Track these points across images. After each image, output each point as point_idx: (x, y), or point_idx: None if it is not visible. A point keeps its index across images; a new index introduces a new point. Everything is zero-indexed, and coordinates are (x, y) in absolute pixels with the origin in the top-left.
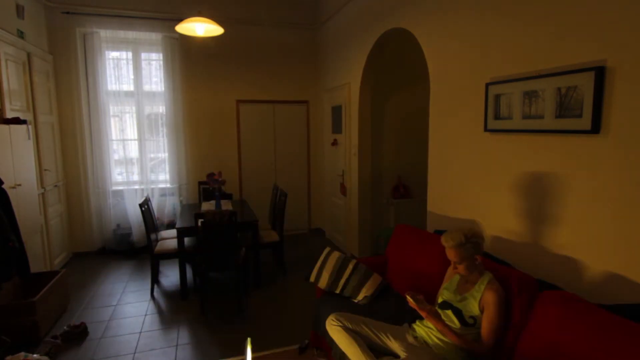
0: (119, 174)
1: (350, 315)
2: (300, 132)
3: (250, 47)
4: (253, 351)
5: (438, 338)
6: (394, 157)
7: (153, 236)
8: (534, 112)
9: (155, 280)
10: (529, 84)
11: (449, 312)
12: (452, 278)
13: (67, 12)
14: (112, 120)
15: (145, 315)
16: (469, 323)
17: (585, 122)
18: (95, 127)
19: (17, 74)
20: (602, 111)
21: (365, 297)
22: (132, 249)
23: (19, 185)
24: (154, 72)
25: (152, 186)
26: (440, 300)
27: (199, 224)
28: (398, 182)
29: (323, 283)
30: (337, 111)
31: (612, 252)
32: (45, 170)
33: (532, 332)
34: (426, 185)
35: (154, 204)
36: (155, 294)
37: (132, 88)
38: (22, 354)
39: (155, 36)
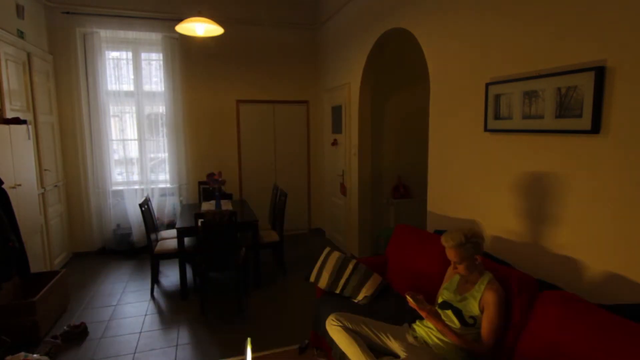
0: (119, 174)
1: (350, 315)
2: (300, 132)
3: (250, 47)
4: (253, 351)
5: (438, 338)
6: (394, 157)
7: (153, 236)
8: (534, 112)
9: (155, 280)
10: (529, 84)
11: (449, 312)
12: (452, 278)
13: (67, 12)
14: (112, 120)
15: (145, 315)
16: (469, 323)
17: (585, 122)
18: (95, 127)
19: (17, 74)
20: (602, 111)
21: (365, 297)
22: (132, 249)
23: (19, 185)
24: (154, 72)
25: (152, 186)
26: (440, 300)
27: (199, 224)
28: (398, 182)
29: (323, 283)
30: (337, 111)
31: (612, 252)
32: (45, 170)
33: (532, 332)
34: (426, 185)
35: (154, 204)
36: (155, 294)
37: (132, 88)
38: (22, 354)
39: (155, 36)
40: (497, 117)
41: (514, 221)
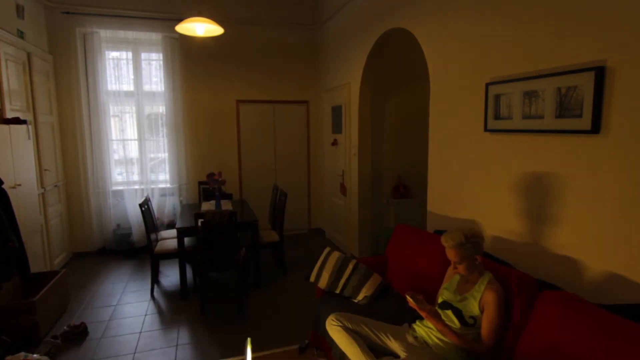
0: (119, 174)
1: (350, 315)
2: (300, 132)
3: (250, 47)
4: (253, 351)
5: (438, 338)
6: (394, 157)
7: (153, 236)
8: (534, 112)
9: (155, 280)
10: (529, 84)
11: (449, 312)
12: (452, 278)
13: (67, 12)
14: (112, 120)
15: (145, 315)
16: (469, 323)
17: (585, 122)
18: (95, 127)
19: (17, 74)
20: (602, 111)
21: (365, 297)
22: (132, 249)
23: (19, 185)
24: (154, 72)
25: (152, 186)
26: (440, 300)
27: (199, 224)
28: (398, 182)
29: (323, 283)
30: (337, 111)
31: (612, 252)
32: (45, 170)
33: (532, 332)
34: (426, 185)
35: (154, 204)
36: (155, 294)
37: (132, 88)
38: (22, 354)
39: (155, 36)
40: (497, 117)
41: (514, 221)
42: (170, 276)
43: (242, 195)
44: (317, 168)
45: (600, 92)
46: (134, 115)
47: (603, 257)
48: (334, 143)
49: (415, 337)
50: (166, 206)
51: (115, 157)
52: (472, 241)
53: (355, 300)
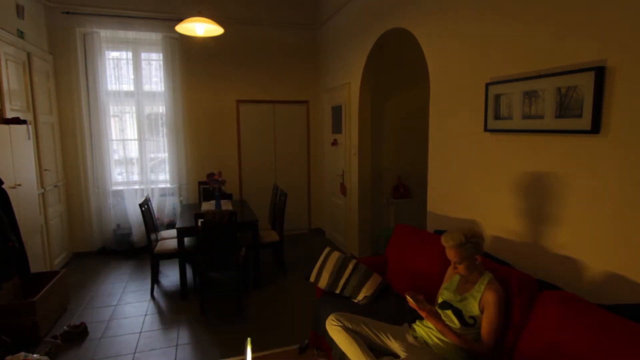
0: (119, 174)
1: (350, 315)
2: (300, 132)
3: (250, 47)
4: (253, 351)
5: (438, 338)
6: (394, 157)
7: (153, 236)
8: (534, 112)
9: (155, 280)
10: (529, 84)
11: (449, 312)
12: (452, 278)
13: (67, 12)
14: (112, 120)
15: (145, 315)
16: (469, 323)
17: (585, 122)
18: (95, 127)
19: (17, 74)
20: (602, 111)
21: (365, 297)
22: (132, 249)
23: (19, 185)
24: (154, 72)
25: (152, 186)
26: (440, 300)
27: (199, 224)
28: (398, 182)
29: (323, 283)
30: (337, 111)
31: (612, 252)
32: (45, 170)
33: (532, 332)
34: (426, 185)
35: (154, 204)
36: (155, 294)
37: (132, 88)
38: (22, 354)
39: (155, 36)
40: (497, 117)
41: (514, 221)
42: (170, 276)
43: (242, 195)
44: (317, 168)
45: (600, 92)
46: (134, 115)
47: (603, 257)
48: (334, 143)
49: (415, 337)
50: (166, 206)
51: (115, 157)
52: (472, 241)
53: (355, 300)
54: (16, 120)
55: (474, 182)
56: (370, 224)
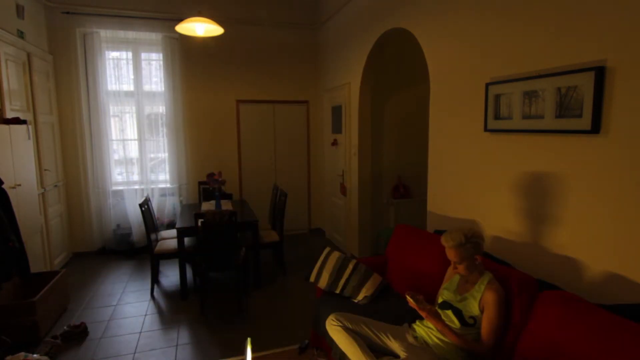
0: (119, 174)
1: (350, 315)
2: (300, 132)
3: (250, 47)
4: (253, 351)
5: (438, 338)
6: (394, 157)
7: (153, 236)
8: (534, 112)
9: (155, 280)
10: (529, 84)
11: (449, 312)
12: (452, 278)
13: (67, 12)
14: (112, 120)
15: (145, 315)
16: (469, 323)
17: (585, 122)
18: (95, 127)
19: (17, 74)
20: (602, 111)
21: (365, 297)
22: (132, 249)
23: (19, 185)
24: (154, 72)
25: (152, 186)
26: (440, 300)
27: (199, 224)
28: (398, 182)
29: (323, 283)
30: (337, 111)
31: (612, 252)
32: (45, 170)
33: (532, 332)
34: (426, 185)
35: (154, 204)
36: (155, 294)
37: (132, 88)
38: (22, 354)
39: (155, 36)
40: (497, 117)
41: (514, 221)
42: (170, 276)
43: (242, 195)
44: (317, 168)
45: (600, 92)
46: (134, 115)
47: (603, 257)
48: (334, 143)
49: (415, 337)
50: (166, 206)
51: (115, 157)
52: (472, 241)
53: (355, 300)
54: (16, 120)
55: (474, 182)
56: (370, 224)
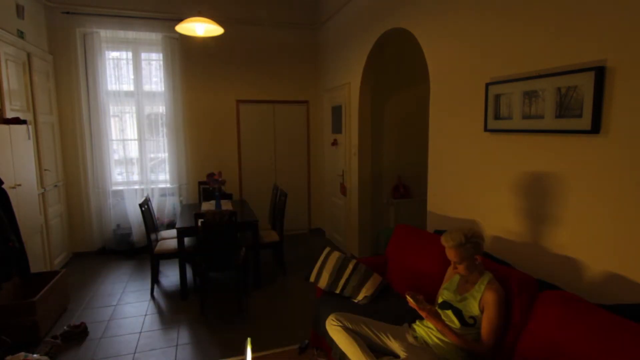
0: (119, 174)
1: (350, 315)
2: (300, 132)
3: (250, 47)
4: (253, 351)
5: (438, 338)
6: (394, 157)
7: (153, 236)
8: (534, 112)
9: (155, 280)
10: (529, 84)
11: (449, 312)
12: (452, 278)
13: (67, 12)
14: (112, 120)
15: (145, 315)
16: (469, 323)
17: (585, 122)
18: (95, 127)
19: (17, 74)
20: (602, 111)
21: (365, 297)
22: (132, 249)
23: (19, 185)
24: (154, 72)
25: (152, 186)
26: (440, 300)
27: (199, 224)
28: (398, 182)
29: (323, 283)
30: (337, 111)
31: (612, 252)
32: (45, 170)
33: (532, 332)
34: (426, 185)
35: (154, 204)
36: (155, 294)
37: (132, 88)
38: (22, 354)
39: (155, 36)
40: (497, 117)
41: (514, 221)
42: (170, 276)
43: (242, 195)
44: (317, 168)
45: (600, 92)
46: (134, 115)
47: (603, 257)
48: (334, 143)
49: (415, 337)
50: (166, 206)
51: (115, 157)
52: (472, 241)
53: (355, 300)
54: (16, 120)
55: (474, 182)
56: (370, 224)
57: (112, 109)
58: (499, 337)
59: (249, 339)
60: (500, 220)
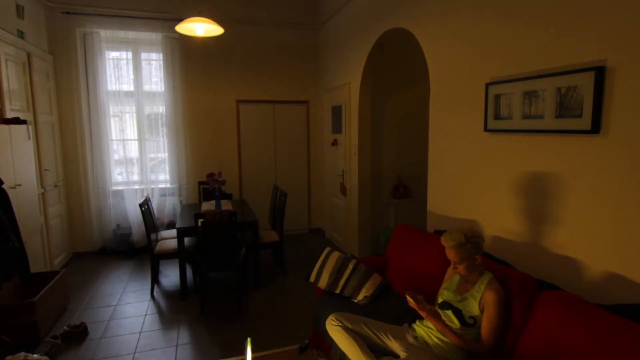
0: (119, 174)
1: (350, 315)
2: (300, 132)
3: (250, 47)
4: (253, 351)
5: (438, 338)
6: (394, 157)
7: (153, 236)
8: (534, 112)
9: (155, 280)
10: (529, 84)
11: (449, 312)
12: (452, 278)
13: (67, 12)
14: (112, 120)
15: (145, 315)
16: (469, 323)
17: (585, 122)
18: (95, 127)
19: (17, 74)
20: (602, 111)
21: (365, 297)
22: (132, 249)
23: (19, 185)
24: (154, 72)
25: (152, 186)
26: (440, 300)
27: (199, 224)
28: (398, 182)
29: (323, 283)
30: (337, 111)
31: (612, 252)
32: (45, 170)
33: (532, 332)
34: (426, 185)
35: (154, 204)
36: (155, 294)
37: (132, 88)
38: (22, 354)
39: (155, 36)
40: (497, 117)
41: (514, 221)
42: (170, 276)
43: (242, 195)
44: (317, 168)
45: (600, 92)
46: (134, 115)
47: (603, 257)
48: (334, 143)
49: (415, 337)
50: (166, 206)
51: (115, 157)
52: (472, 241)
53: (355, 300)
54: (16, 120)
55: (474, 182)
56: (370, 224)
57: (112, 109)
58: (499, 337)
59: (249, 339)
60: (500, 220)
